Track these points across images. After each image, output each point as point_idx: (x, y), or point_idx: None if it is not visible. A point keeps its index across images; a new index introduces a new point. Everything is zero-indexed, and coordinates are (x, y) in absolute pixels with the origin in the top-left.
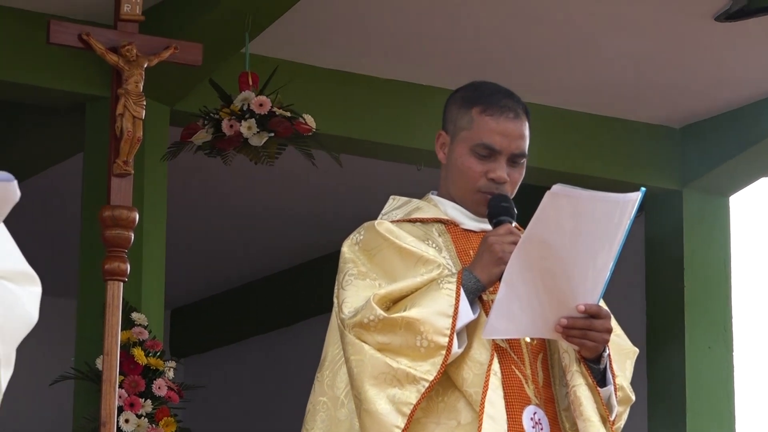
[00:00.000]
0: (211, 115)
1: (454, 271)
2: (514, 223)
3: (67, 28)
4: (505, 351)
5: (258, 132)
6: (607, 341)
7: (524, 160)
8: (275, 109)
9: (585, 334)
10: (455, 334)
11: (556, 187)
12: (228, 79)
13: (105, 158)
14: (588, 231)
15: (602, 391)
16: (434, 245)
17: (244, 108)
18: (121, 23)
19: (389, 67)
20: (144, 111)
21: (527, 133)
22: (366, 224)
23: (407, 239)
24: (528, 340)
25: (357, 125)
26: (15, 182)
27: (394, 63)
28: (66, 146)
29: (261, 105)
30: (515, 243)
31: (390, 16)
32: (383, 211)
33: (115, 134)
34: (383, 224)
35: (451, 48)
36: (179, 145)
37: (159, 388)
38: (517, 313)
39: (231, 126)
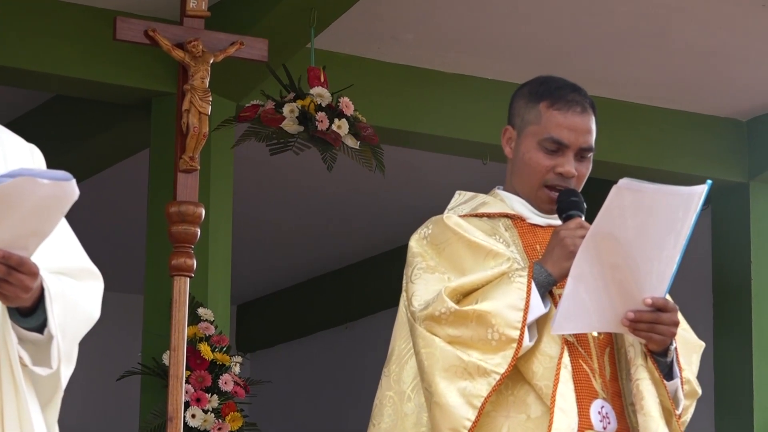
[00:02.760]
0: (281, 101)
1: (522, 265)
2: (583, 218)
3: (133, 25)
4: (572, 345)
5: (348, 133)
6: (674, 334)
7: (591, 155)
8: (357, 113)
9: (652, 328)
10: (526, 327)
11: (623, 181)
12: (294, 73)
13: (171, 154)
14: (654, 224)
15: (669, 384)
16: (501, 240)
17: (322, 104)
18: (187, 19)
19: (456, 62)
20: (210, 107)
21: (594, 127)
22: (434, 218)
23: (476, 233)
24: (595, 334)
25: (424, 120)
26: (73, 181)
27: (461, 57)
28: (132, 142)
29: (347, 106)
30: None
31: (457, 9)
32: (449, 206)
33: (181, 130)
34: (452, 218)
35: (518, 42)
36: (263, 128)
37: (225, 383)
38: (584, 308)
39: (322, 121)
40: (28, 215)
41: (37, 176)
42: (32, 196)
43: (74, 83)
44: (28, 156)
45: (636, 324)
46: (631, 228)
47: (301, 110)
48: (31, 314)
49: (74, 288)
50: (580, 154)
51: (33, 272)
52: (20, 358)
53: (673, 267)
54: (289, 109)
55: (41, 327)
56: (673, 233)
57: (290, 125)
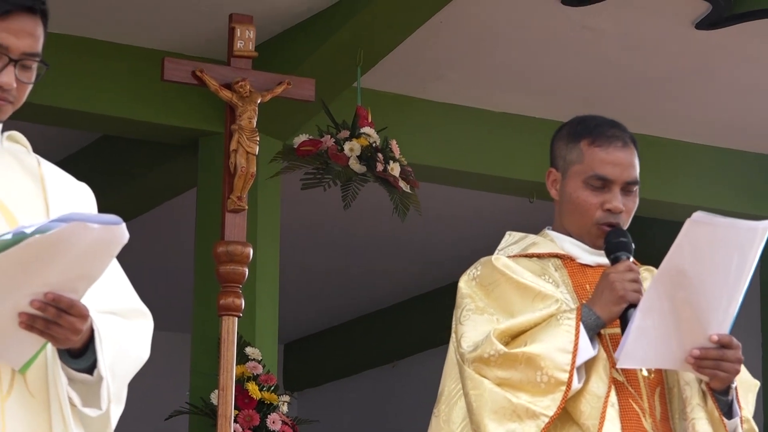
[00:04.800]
0: (338, 139)
1: (571, 306)
2: (631, 258)
3: (181, 65)
4: (622, 385)
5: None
6: (738, 371)
7: (637, 188)
8: (401, 157)
9: (717, 365)
10: (575, 369)
11: (697, 215)
12: (338, 113)
13: (218, 193)
14: (723, 259)
15: (728, 423)
16: (551, 280)
17: (374, 145)
18: (235, 59)
19: (502, 100)
20: (257, 147)
21: (637, 161)
22: (483, 259)
23: (524, 274)
24: (645, 373)
25: (469, 158)
26: (123, 225)
27: (506, 96)
28: (180, 182)
29: (394, 149)
30: (635, 280)
31: (501, 49)
32: (499, 247)
33: (229, 170)
34: (500, 259)
35: (564, 80)
36: (333, 168)
37: (273, 422)
38: (651, 342)
39: (380, 162)
40: (78, 259)
41: (87, 221)
42: (83, 240)
43: (122, 123)
44: (78, 195)
45: (701, 361)
46: (702, 262)
47: (363, 149)
48: (81, 355)
49: (124, 328)
50: (626, 189)
51: (83, 315)
52: (70, 399)
53: (737, 304)
54: (350, 148)
55: (91, 368)
56: (740, 268)
57: (355, 164)
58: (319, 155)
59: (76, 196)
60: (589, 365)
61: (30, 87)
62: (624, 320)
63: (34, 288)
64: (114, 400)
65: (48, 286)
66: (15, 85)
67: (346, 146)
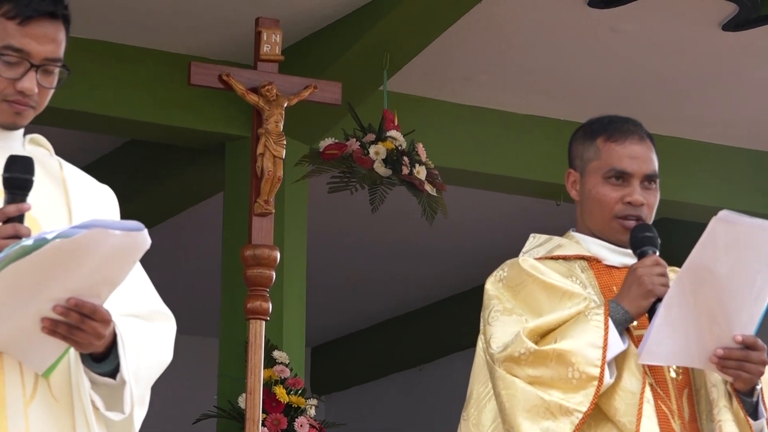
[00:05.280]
0: (364, 142)
1: (599, 304)
2: (657, 253)
3: (207, 69)
4: (651, 386)
5: (425, 179)
6: (762, 373)
7: (657, 183)
8: (428, 160)
9: (741, 366)
10: (606, 364)
11: (722, 213)
12: (365, 116)
13: (245, 197)
14: (749, 260)
15: (754, 424)
16: (578, 282)
17: (400, 148)
18: (261, 63)
19: (528, 103)
20: (284, 150)
21: (654, 156)
22: (509, 261)
23: (552, 275)
24: (673, 375)
25: (495, 161)
26: (145, 231)
27: (533, 98)
28: (206, 186)
29: (421, 152)
30: (663, 274)
31: (529, 51)
32: (524, 249)
33: (255, 174)
34: (527, 261)
35: (590, 82)
36: (358, 171)
37: (301, 426)
38: (674, 339)
39: (406, 165)
40: (100, 265)
41: (109, 227)
42: (104, 246)
43: (149, 128)
44: (100, 198)
45: (724, 361)
46: (727, 262)
47: (389, 153)
48: (104, 359)
49: (146, 331)
50: (646, 183)
51: (106, 320)
52: (93, 403)
53: (763, 305)
54: (375, 151)
55: (114, 372)
56: (766, 270)
57: (380, 168)
58: (344, 159)
59: (99, 199)
60: (620, 362)
61: (51, 92)
62: (652, 315)
63: (56, 293)
64: (137, 404)
65: (70, 292)
66: (36, 90)
67: (372, 149)
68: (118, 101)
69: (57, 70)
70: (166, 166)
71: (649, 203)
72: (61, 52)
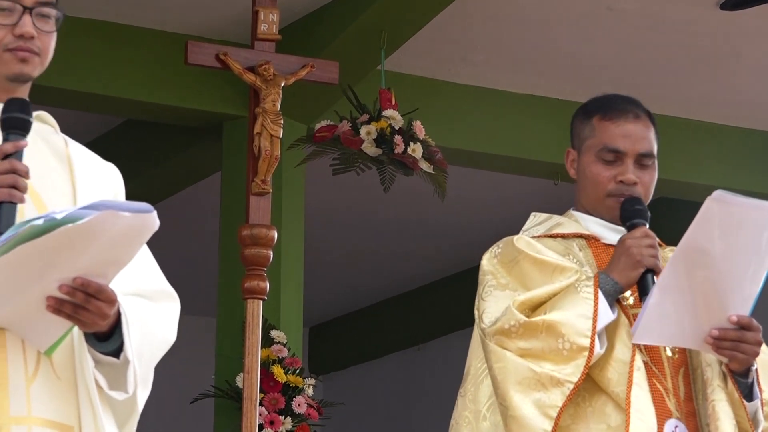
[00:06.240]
0: (357, 122)
1: (590, 276)
2: (647, 226)
3: (204, 49)
4: (646, 364)
5: (421, 157)
6: (757, 354)
7: (653, 162)
8: (427, 137)
9: (736, 346)
10: (596, 335)
11: (717, 193)
12: (364, 96)
13: (242, 177)
14: (744, 240)
15: (749, 405)
16: (575, 260)
17: (394, 127)
18: (258, 42)
19: (526, 82)
20: (282, 130)
21: (652, 134)
22: (505, 239)
23: (545, 252)
24: (669, 354)
25: (494, 140)
26: (154, 213)
27: (531, 78)
28: (204, 166)
29: (419, 130)
30: (652, 246)
31: (527, 31)
32: (524, 228)
33: (253, 153)
34: (522, 239)
35: (589, 62)
36: (347, 152)
37: (299, 405)
38: (668, 320)
39: (398, 144)
40: (108, 246)
41: (118, 209)
42: (113, 228)
43: (146, 107)
44: (106, 176)
45: (720, 342)
46: (721, 242)
47: (380, 132)
48: (108, 339)
49: (150, 311)
50: (640, 162)
51: (111, 299)
52: (97, 382)
53: (758, 286)
54: (366, 131)
55: (117, 351)
56: (763, 250)
57: (369, 147)
58: (333, 140)
59: (104, 177)
60: (611, 332)
61: (53, 38)
62: (642, 286)
63: (63, 273)
64: (140, 384)
65: (77, 272)
66: (35, 34)
67: (363, 130)
68: (115, 80)
69: (53, 14)
70: (163, 145)
71: (644, 182)
72: None
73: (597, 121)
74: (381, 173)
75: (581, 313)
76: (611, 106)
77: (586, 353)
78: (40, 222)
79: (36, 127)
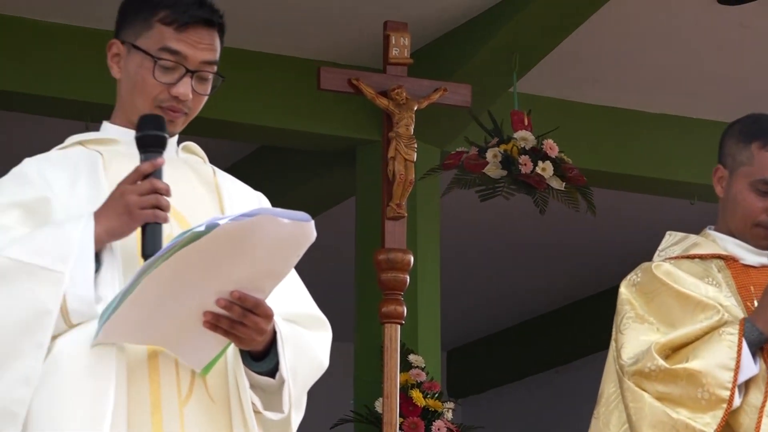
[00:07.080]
0: (485, 147)
1: (734, 314)
2: None
3: (337, 74)
4: None
5: (553, 175)
6: None
7: None
8: (562, 155)
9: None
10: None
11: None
12: (498, 118)
13: (377, 201)
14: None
15: None
16: (714, 282)
17: (525, 147)
18: (390, 67)
19: (660, 102)
20: (415, 153)
21: None
22: (643, 265)
23: (686, 282)
24: None
25: (628, 160)
26: (312, 222)
27: (664, 97)
28: (338, 191)
29: (551, 148)
30: None
31: (658, 50)
32: (660, 248)
33: (387, 177)
34: (661, 267)
35: (721, 80)
36: (466, 174)
37: (438, 429)
38: None
39: (525, 164)
40: (266, 254)
41: (277, 215)
42: (272, 234)
43: (280, 134)
44: (256, 203)
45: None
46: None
47: (504, 155)
48: (263, 358)
49: (304, 336)
50: None
51: (268, 315)
52: (253, 404)
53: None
54: (492, 154)
55: (273, 372)
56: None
57: (493, 170)
58: (459, 167)
59: (253, 205)
60: (749, 379)
61: (205, 99)
62: None
63: (220, 286)
64: (295, 405)
65: (235, 284)
66: (191, 96)
67: (489, 153)
68: (248, 108)
69: (211, 77)
70: (297, 171)
71: None
72: (216, 57)
73: (756, 149)
74: (482, 197)
75: (723, 364)
76: None
77: (725, 405)
78: (202, 228)
79: (184, 157)
